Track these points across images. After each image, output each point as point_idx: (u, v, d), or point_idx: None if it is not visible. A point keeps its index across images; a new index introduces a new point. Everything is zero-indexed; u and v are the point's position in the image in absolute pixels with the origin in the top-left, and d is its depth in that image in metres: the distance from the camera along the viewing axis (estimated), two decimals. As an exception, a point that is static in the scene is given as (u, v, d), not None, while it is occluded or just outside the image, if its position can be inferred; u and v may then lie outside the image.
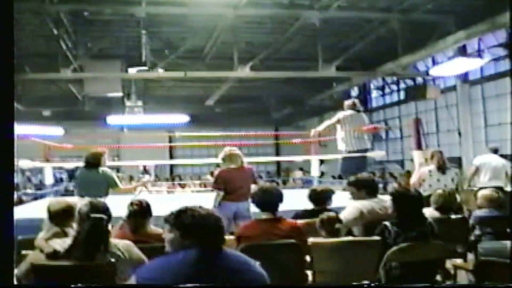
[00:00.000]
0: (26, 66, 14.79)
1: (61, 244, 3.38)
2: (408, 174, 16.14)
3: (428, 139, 17.84)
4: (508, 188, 7.56)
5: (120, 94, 16.70)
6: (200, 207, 2.68)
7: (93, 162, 6.67)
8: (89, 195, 4.06)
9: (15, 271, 3.96)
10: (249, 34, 14.48)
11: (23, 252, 4.08)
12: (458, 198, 6.54)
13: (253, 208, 6.32)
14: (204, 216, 2.59)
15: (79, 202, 3.92)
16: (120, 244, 3.42)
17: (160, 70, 14.81)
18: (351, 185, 5.30)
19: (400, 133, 20.23)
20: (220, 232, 2.62)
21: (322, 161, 16.37)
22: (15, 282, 4.01)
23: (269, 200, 4.49)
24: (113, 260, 3.24)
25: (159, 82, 19.02)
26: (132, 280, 2.54)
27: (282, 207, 4.58)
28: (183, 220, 2.59)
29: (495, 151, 8.32)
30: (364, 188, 5.19)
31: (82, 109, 20.21)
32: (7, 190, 1.57)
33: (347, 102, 8.84)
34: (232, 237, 4.35)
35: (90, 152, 6.86)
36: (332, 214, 4.53)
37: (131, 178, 17.61)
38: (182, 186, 18.35)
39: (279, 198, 4.52)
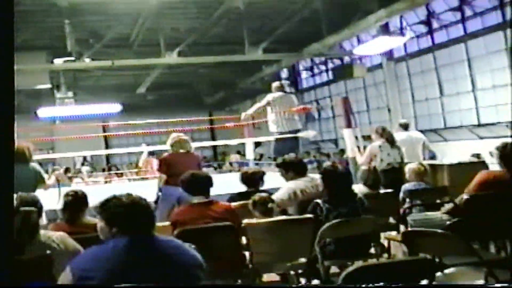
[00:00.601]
0: None
1: None
2: (342, 152, 16.51)
3: (360, 117, 18.31)
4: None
5: (49, 85, 16.24)
6: (128, 194, 2.68)
7: (19, 157, 6.31)
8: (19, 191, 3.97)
9: None
10: (174, 20, 14.31)
11: None
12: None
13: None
14: (129, 204, 2.59)
15: None
16: (54, 236, 3.35)
17: (87, 60, 14.49)
18: (279, 167, 5.39)
19: (332, 112, 20.55)
20: (149, 219, 2.62)
21: (258, 143, 16.50)
22: None
23: (198, 184, 4.51)
24: (48, 252, 3.18)
25: (88, 72, 18.59)
26: (67, 271, 2.50)
27: (218, 191, 4.64)
28: (108, 208, 2.60)
29: (405, 127, 8.50)
30: (292, 169, 5.29)
31: (10, 102, 19.56)
32: (7, 192, 1.52)
33: (274, 84, 8.95)
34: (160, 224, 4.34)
35: (15, 147, 6.61)
36: (263, 194, 4.61)
37: (67, 170, 17.20)
38: (119, 175, 18.12)
39: (209, 181, 4.57)
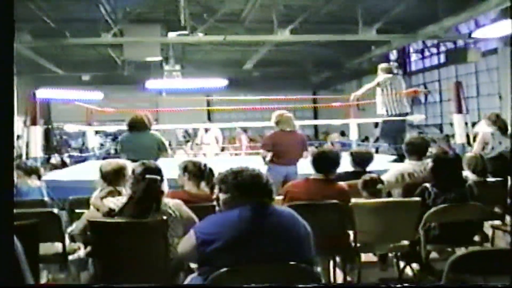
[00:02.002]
0: (66, 31, 15.02)
1: (115, 202, 3.58)
2: (447, 138, 16.08)
3: (468, 103, 17.69)
4: None
5: (159, 58, 16.83)
6: (251, 167, 2.90)
7: (140, 125, 6.66)
8: (141, 158, 4.21)
9: (69, 228, 4.22)
10: (287, -4, 14.33)
11: (77, 210, 4.33)
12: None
13: (300, 171, 6.50)
14: (256, 176, 2.79)
15: (130, 164, 4.10)
16: (171, 203, 3.58)
17: (200, 34, 14.86)
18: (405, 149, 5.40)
19: (439, 97, 20.00)
20: (270, 190, 2.80)
21: (377, 124, 16.33)
22: (68, 240, 4.28)
23: (325, 162, 4.56)
24: (165, 217, 3.41)
25: (197, 46, 19.04)
26: (191, 234, 2.74)
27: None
28: (239, 180, 2.78)
29: None
30: (409, 151, 5.32)
31: (121, 73, 20.44)
32: (7, 192, 1.57)
33: (382, 66, 8.84)
34: (279, 197, 4.46)
35: (135, 115, 6.80)
36: (374, 175, 4.66)
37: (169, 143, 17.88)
38: (222, 149, 18.55)
39: (336, 162, 4.61)
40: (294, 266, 2.55)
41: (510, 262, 2.64)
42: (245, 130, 15.73)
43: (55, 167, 12.58)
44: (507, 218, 5.13)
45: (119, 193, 3.95)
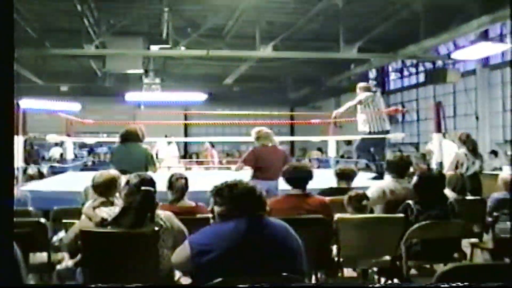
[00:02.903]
0: (46, 41, 14.97)
1: (108, 212, 3.60)
2: (423, 156, 16.28)
3: (446, 122, 17.95)
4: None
5: (142, 71, 16.90)
6: (241, 180, 2.96)
7: (133, 137, 6.74)
8: (129, 171, 4.23)
9: (54, 238, 4.22)
10: (271, 13, 14.38)
11: (64, 220, 4.34)
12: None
13: (281, 186, 6.57)
14: (251, 189, 2.86)
15: (123, 175, 4.14)
16: (162, 214, 3.62)
17: (182, 48, 14.91)
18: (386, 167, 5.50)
19: (417, 116, 20.30)
20: (264, 202, 2.88)
21: (349, 142, 16.47)
22: (52, 250, 4.28)
23: (299, 176, 4.67)
24: (156, 228, 3.44)
25: (178, 60, 19.12)
26: (186, 245, 2.80)
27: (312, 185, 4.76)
28: (235, 193, 2.84)
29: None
30: (391, 168, 5.41)
31: (100, 85, 20.40)
32: (7, 193, 1.57)
33: (361, 84, 9.03)
34: None
35: (129, 127, 6.91)
36: (359, 191, 4.75)
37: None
38: (199, 163, 18.54)
39: (309, 175, 4.71)
40: (287, 277, 2.59)
41: (492, 276, 2.73)
42: (212, 145, 15.76)
43: (32, 177, 12.45)
44: (485, 236, 5.26)
45: (112, 204, 3.97)
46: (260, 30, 14.27)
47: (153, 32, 15.05)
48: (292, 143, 26.83)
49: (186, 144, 25.74)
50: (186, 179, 4.78)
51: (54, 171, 13.45)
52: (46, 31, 14.73)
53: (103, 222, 3.53)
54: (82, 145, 22.98)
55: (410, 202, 4.47)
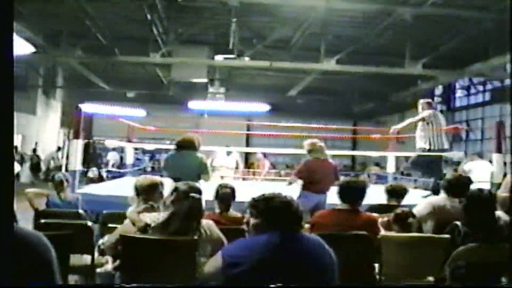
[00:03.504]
0: (116, 49, 15.47)
1: (151, 218, 3.68)
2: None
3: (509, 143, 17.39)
4: None
5: (205, 80, 17.18)
6: (282, 194, 2.94)
7: (188, 145, 6.75)
8: (181, 178, 4.32)
9: (100, 241, 4.35)
10: (338, 27, 14.41)
11: (109, 225, 4.46)
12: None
13: (330, 200, 6.58)
14: (288, 203, 2.83)
15: (168, 182, 4.24)
16: (203, 223, 3.66)
17: (246, 59, 15.09)
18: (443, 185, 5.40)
19: (481, 135, 19.79)
20: (300, 217, 2.85)
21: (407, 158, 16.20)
22: (96, 253, 4.42)
23: (351, 192, 4.59)
24: (195, 237, 3.50)
25: (244, 70, 19.34)
26: (218, 256, 2.80)
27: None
28: (271, 206, 2.83)
29: None
30: (445, 187, 5.31)
31: (166, 92, 20.86)
32: (7, 193, 1.60)
33: (423, 101, 8.86)
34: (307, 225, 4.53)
35: (186, 135, 6.93)
36: (405, 209, 4.69)
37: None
38: (254, 174, 18.54)
39: (361, 192, 4.60)
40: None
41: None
42: (265, 155, 15.80)
43: (92, 180, 12.85)
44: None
45: (154, 209, 4.05)
46: (326, 43, 14.30)
47: (219, 42, 15.29)
48: (353, 157, 26.66)
49: (247, 154, 25.91)
50: (232, 189, 4.83)
51: (113, 176, 13.81)
52: (116, 39, 15.22)
53: (145, 228, 3.61)
54: (146, 151, 23.55)
55: (458, 223, 4.38)
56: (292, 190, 6.26)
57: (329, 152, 7.28)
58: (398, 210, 4.68)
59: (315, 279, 2.67)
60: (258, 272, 2.62)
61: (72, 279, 4.33)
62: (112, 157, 21.20)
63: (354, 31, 14.64)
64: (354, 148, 25.62)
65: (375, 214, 4.74)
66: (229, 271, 2.68)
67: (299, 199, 6.79)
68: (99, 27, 14.15)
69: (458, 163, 19.21)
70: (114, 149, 19.53)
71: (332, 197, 6.60)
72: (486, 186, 7.99)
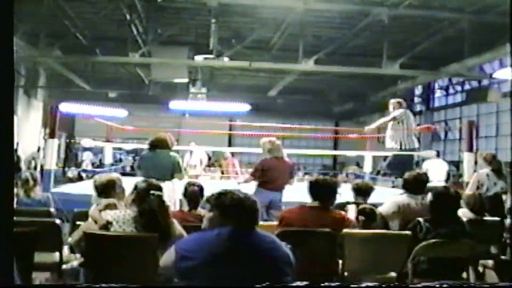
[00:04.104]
0: (97, 49, 15.45)
1: (112, 215, 3.74)
2: (460, 176, 16.03)
3: (486, 142, 17.64)
4: None
5: (186, 80, 17.19)
6: (239, 190, 3.00)
7: (161, 145, 6.83)
8: (155, 177, 4.38)
9: (70, 238, 4.41)
10: (316, 28, 14.55)
11: (78, 222, 4.52)
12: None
13: (284, 198, 6.76)
14: (241, 199, 2.88)
15: (124, 179, 4.31)
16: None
17: (226, 59, 15.12)
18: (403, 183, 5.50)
19: (459, 134, 20.03)
20: (254, 214, 2.89)
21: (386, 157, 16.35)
22: (68, 250, 4.46)
23: (321, 190, 4.66)
24: (156, 234, 3.56)
25: (225, 70, 19.38)
26: (171, 250, 2.85)
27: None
28: (223, 201, 2.89)
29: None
30: (407, 185, 5.41)
31: (147, 92, 20.81)
32: (7, 193, 1.61)
33: (396, 100, 8.98)
34: (266, 223, 4.61)
35: (158, 135, 7.00)
36: (368, 206, 4.79)
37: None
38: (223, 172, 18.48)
39: (331, 190, 4.68)
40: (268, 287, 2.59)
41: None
42: (232, 154, 15.89)
43: (71, 180, 12.84)
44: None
45: (116, 206, 4.11)
46: (305, 44, 14.37)
47: (199, 42, 15.32)
48: (334, 157, 26.84)
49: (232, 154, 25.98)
50: (200, 187, 4.89)
51: (93, 175, 13.78)
52: (95, 39, 15.20)
53: (107, 225, 3.66)
54: (130, 151, 23.53)
55: (421, 219, 4.47)
56: (248, 187, 6.38)
57: (310, 152, 7.44)
58: (362, 207, 4.77)
59: (265, 275, 2.69)
60: (207, 266, 2.67)
61: (40, 276, 4.36)
62: (86, 157, 21.17)
63: (332, 32, 14.80)
64: (335, 148, 25.76)
65: (339, 211, 4.82)
66: (180, 264, 2.72)
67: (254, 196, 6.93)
68: (77, 27, 14.14)
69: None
70: (87, 149, 19.48)
71: (287, 194, 7.03)
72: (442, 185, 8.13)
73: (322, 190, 4.68)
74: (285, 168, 7.14)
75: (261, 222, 3.97)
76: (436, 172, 10.03)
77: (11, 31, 1.66)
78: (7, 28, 1.64)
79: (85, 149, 20.82)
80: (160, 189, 3.77)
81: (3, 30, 1.63)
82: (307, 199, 4.72)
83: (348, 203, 5.56)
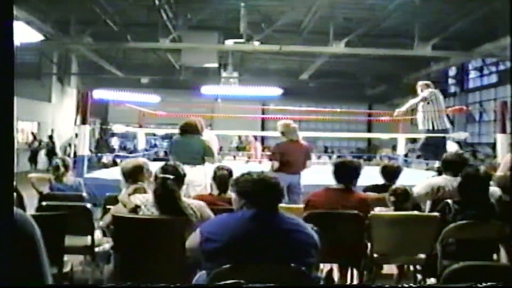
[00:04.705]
0: (128, 35, 15.57)
1: (141, 199, 3.81)
2: (495, 157, 15.79)
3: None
4: None
5: (216, 65, 17.24)
6: (261, 172, 3.02)
7: (191, 129, 6.85)
8: (186, 162, 4.42)
9: (101, 222, 4.50)
10: (347, 9, 14.43)
11: (108, 206, 4.61)
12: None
13: (303, 180, 6.81)
14: (258, 180, 2.89)
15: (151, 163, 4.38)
16: (194, 204, 3.77)
17: (256, 43, 15.11)
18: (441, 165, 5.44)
19: (494, 116, 19.69)
20: (275, 195, 2.89)
21: (414, 140, 16.17)
22: (100, 234, 4.56)
23: (345, 172, 4.66)
24: (184, 217, 3.60)
25: (255, 54, 19.37)
26: (197, 232, 2.90)
27: (359, 182, 4.80)
28: (239, 183, 2.94)
29: None
30: (444, 166, 5.35)
31: (178, 78, 20.96)
32: (7, 193, 1.62)
33: (424, 82, 8.89)
34: (291, 205, 4.61)
35: (188, 120, 7.03)
36: (401, 186, 4.76)
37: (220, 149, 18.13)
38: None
39: (355, 172, 4.68)
40: (293, 268, 2.63)
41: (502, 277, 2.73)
42: (255, 138, 15.85)
43: (105, 166, 13.02)
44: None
45: (145, 190, 4.18)
46: (335, 26, 14.25)
47: (229, 26, 15.32)
48: (369, 140, 26.68)
49: (262, 138, 26.05)
50: (229, 170, 4.92)
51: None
52: (125, 25, 15.32)
53: (135, 209, 3.73)
54: (164, 137, 23.74)
55: (449, 201, 4.43)
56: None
57: (344, 135, 7.41)
58: (394, 187, 4.75)
59: (289, 256, 2.71)
60: (231, 247, 2.70)
61: (73, 258, 4.46)
62: (114, 143, 21.43)
63: (363, 13, 14.60)
64: (369, 131, 25.58)
65: (364, 193, 4.80)
66: (206, 246, 2.76)
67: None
68: (108, 13, 14.25)
69: (471, 144, 19.30)
70: (114, 135, 19.67)
71: (305, 177, 7.05)
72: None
73: (346, 172, 4.68)
74: (301, 150, 7.12)
75: (286, 205, 4.02)
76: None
77: (11, 30, 1.66)
78: (7, 27, 1.64)
79: (113, 134, 21.00)
80: (175, 172, 3.80)
81: (3, 30, 1.63)
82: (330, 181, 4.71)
83: (376, 185, 5.53)
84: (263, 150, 18.65)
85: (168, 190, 3.66)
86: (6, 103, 1.71)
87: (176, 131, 7.18)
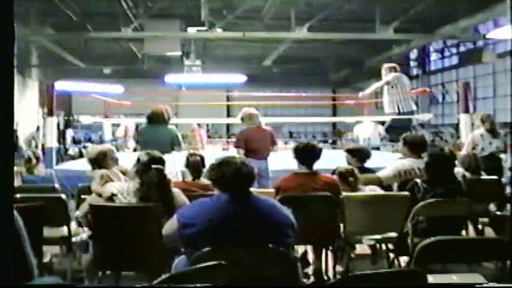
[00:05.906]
0: (88, 25, 15.35)
1: (117, 187, 3.81)
2: (459, 137, 16.14)
3: (484, 103, 17.70)
4: None
5: (179, 53, 17.10)
6: (233, 157, 3.08)
7: (158, 118, 6.85)
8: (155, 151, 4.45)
9: (76, 212, 4.48)
10: (309, -6, 14.44)
11: (83, 196, 4.60)
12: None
13: (271, 166, 6.91)
14: (237, 165, 2.94)
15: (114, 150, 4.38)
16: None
17: (219, 30, 15.05)
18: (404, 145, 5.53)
19: (457, 96, 20.07)
20: (247, 179, 2.94)
21: (383, 123, 16.39)
22: (76, 225, 4.54)
23: (307, 155, 4.75)
24: (159, 203, 3.63)
25: (218, 42, 19.25)
26: (174, 219, 2.94)
27: (324, 165, 4.88)
28: (221, 168, 2.96)
29: None
30: (408, 147, 5.44)
31: (142, 67, 20.77)
32: (7, 192, 1.60)
33: (388, 65, 8.98)
34: (262, 189, 4.67)
35: (155, 109, 6.97)
36: (348, 167, 4.93)
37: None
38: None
39: (317, 154, 4.78)
40: (272, 249, 2.68)
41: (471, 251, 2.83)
42: (199, 125, 15.86)
43: (72, 157, 12.89)
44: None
45: (110, 177, 4.19)
46: (297, 11, 14.26)
47: (190, 14, 15.18)
48: (334, 124, 26.91)
49: (228, 125, 26.11)
50: (201, 157, 4.94)
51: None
52: (86, 15, 15.08)
53: (112, 197, 3.73)
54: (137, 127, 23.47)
55: (418, 180, 4.53)
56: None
57: (309, 120, 7.50)
58: (341, 168, 4.85)
59: (267, 237, 2.77)
60: (209, 231, 2.74)
61: (51, 249, 4.43)
62: (68, 134, 21.20)
63: (324, -2, 14.62)
64: (334, 115, 25.78)
65: (330, 175, 4.88)
66: (183, 231, 2.81)
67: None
68: (68, 4, 14.00)
69: (435, 125, 19.64)
70: (69, 127, 19.47)
71: (273, 163, 7.19)
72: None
73: (309, 155, 4.77)
74: (265, 136, 7.25)
75: (256, 189, 4.06)
76: (362, 131, 11.55)
77: (11, 29, 1.64)
78: (8, 27, 1.62)
79: (66, 126, 20.76)
80: (162, 161, 3.82)
81: (3, 29, 1.61)
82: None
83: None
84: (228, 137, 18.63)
85: (165, 181, 3.69)
86: (6, 103, 1.70)
87: (143, 120, 7.14)
